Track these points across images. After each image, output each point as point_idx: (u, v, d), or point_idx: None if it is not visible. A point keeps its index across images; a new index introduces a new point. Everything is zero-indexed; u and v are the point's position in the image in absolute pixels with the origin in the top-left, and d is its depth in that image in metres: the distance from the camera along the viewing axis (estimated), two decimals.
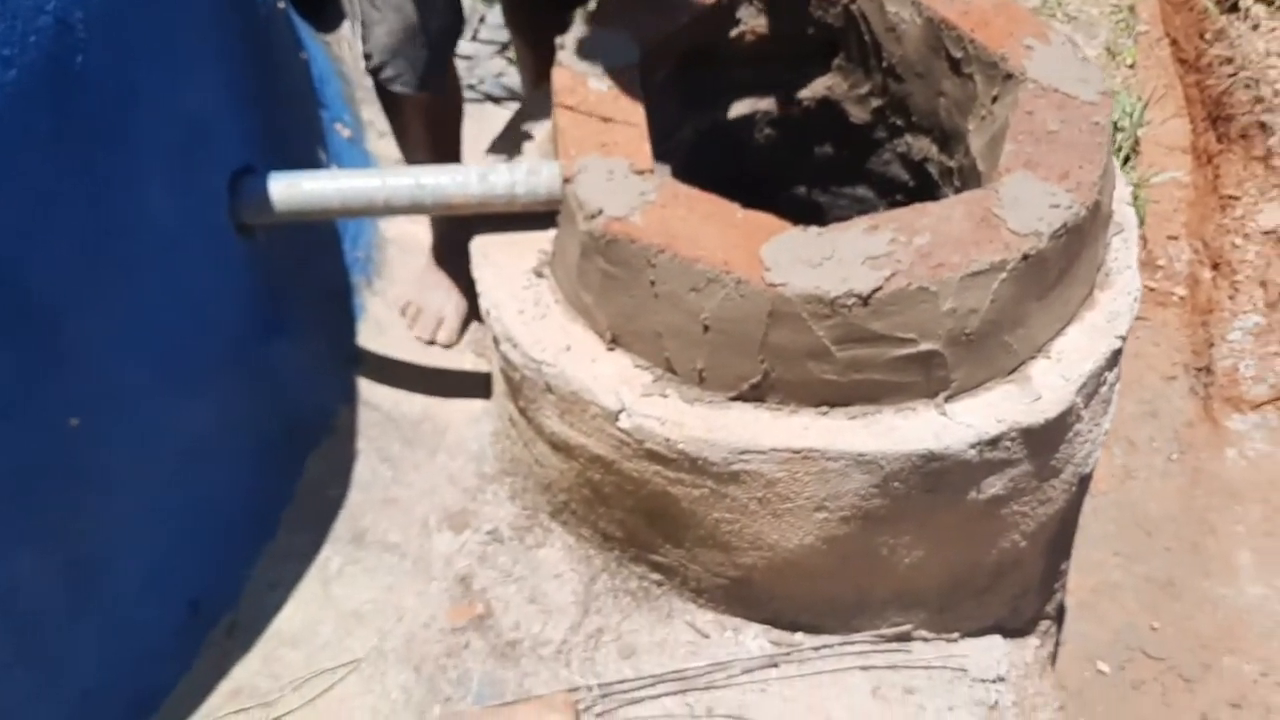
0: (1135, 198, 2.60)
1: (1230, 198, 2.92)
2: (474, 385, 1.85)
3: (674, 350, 1.33)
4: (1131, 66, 3.04)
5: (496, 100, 2.73)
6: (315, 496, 1.66)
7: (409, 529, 1.67)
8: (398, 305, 1.95)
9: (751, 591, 1.54)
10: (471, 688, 1.50)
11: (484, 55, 2.86)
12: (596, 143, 1.41)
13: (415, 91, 1.60)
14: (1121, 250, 1.53)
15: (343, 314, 1.84)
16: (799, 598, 1.55)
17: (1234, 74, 3.12)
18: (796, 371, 1.29)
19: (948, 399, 1.33)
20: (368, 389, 1.80)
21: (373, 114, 2.26)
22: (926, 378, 1.31)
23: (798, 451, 1.30)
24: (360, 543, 1.63)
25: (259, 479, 1.59)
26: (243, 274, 1.53)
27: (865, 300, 1.22)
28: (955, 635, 1.64)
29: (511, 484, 1.73)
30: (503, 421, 1.75)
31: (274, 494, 1.62)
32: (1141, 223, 2.69)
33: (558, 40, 1.55)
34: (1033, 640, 1.77)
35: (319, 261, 1.84)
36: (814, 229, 1.29)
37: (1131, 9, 3.28)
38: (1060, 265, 1.33)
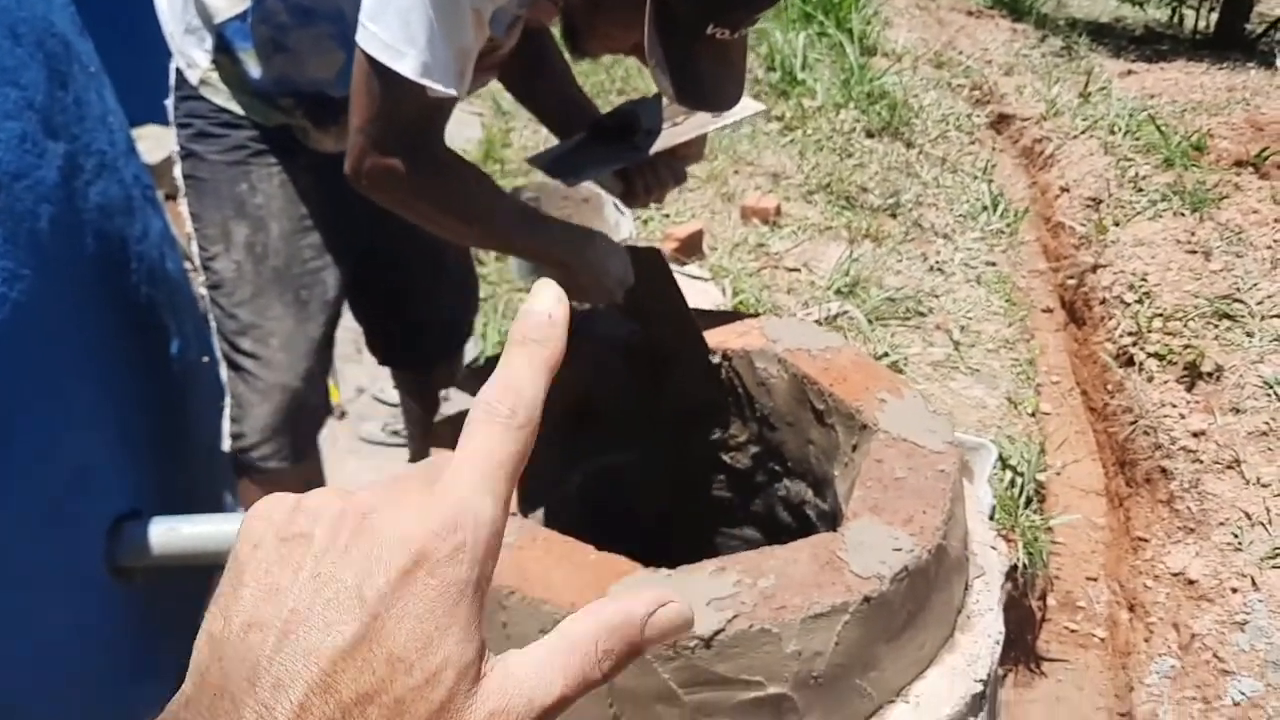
0: (1034, 539, 2.67)
1: (1140, 540, 2.99)
2: None
3: None
4: (1033, 415, 3.20)
5: (387, 445, 2.86)
6: None
7: None
8: None
9: None
10: None
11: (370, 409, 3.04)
12: None
13: (292, 464, 1.64)
14: (984, 593, 1.57)
15: None
16: None
17: (1134, 422, 3.29)
18: (646, 716, 1.28)
19: None
20: None
21: None
22: None
23: None
24: None
25: None
26: (110, 616, 1.53)
27: (708, 642, 1.23)
28: None
29: None
30: None
31: None
32: (1044, 564, 2.74)
33: (441, 393, 1.65)
34: None
35: (206, 602, 1.85)
36: (663, 570, 1.33)
37: (1031, 363, 3.49)
38: (908, 607, 1.36)
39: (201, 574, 1.78)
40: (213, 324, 1.60)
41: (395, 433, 2.79)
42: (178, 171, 1.62)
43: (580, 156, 1.66)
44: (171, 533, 1.53)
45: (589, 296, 1.64)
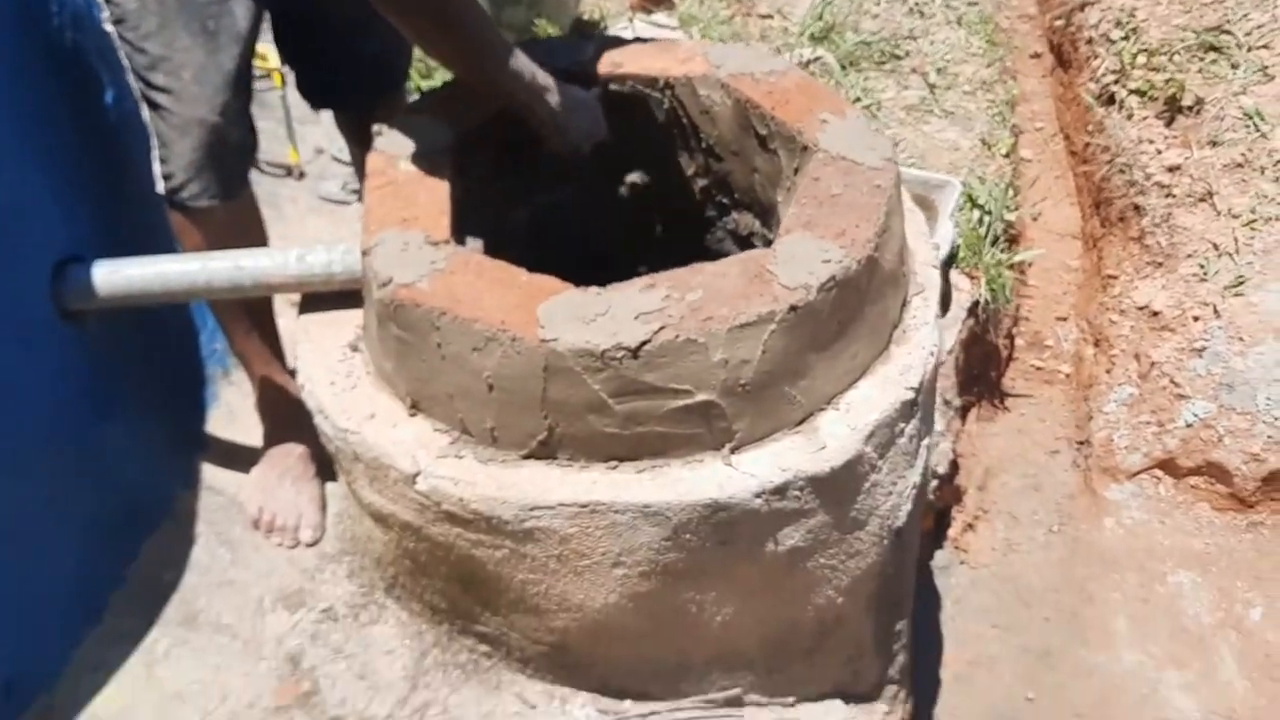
0: (998, 276, 2.68)
1: (1110, 277, 3.01)
2: (327, 467, 1.86)
3: (465, 411, 1.37)
4: (1007, 156, 3.15)
5: (347, 203, 2.83)
6: (149, 579, 1.67)
7: (243, 610, 1.67)
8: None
9: (572, 658, 1.54)
10: None
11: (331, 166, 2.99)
12: (398, 218, 1.47)
13: (221, 201, 1.61)
14: (922, 309, 1.58)
15: (191, 402, 1.87)
16: (620, 662, 1.55)
17: (1111, 160, 3.25)
18: (580, 426, 1.32)
19: (733, 450, 1.35)
20: (212, 474, 1.82)
21: None
22: (710, 430, 1.34)
23: (585, 505, 1.32)
24: (191, 625, 1.63)
25: (86, 561, 1.60)
26: (66, 358, 1.56)
27: (634, 353, 1.26)
28: (791, 700, 1.64)
29: (350, 563, 1.74)
30: (345, 500, 1.77)
31: (103, 577, 1.62)
32: (1008, 300, 2.76)
33: (375, 127, 1.62)
34: (880, 706, 1.76)
35: (170, 351, 1.88)
36: (593, 289, 1.34)
37: (1008, 104, 3.41)
38: (839, 318, 1.38)
39: (156, 315, 1.80)
40: (124, 61, 1.55)
41: (354, 191, 2.77)
42: None
43: None
44: (116, 274, 1.54)
45: (550, 144, 1.66)
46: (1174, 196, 2.90)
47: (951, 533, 2.45)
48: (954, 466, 2.45)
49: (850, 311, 1.40)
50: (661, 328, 1.27)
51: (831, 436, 1.38)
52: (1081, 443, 2.67)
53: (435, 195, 1.51)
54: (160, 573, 1.68)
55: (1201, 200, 2.84)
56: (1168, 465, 2.47)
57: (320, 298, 1.60)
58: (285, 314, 1.93)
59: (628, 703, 1.58)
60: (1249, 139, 2.91)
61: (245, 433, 1.90)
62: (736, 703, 1.60)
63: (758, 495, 1.33)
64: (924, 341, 1.53)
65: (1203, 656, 2.17)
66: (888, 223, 1.47)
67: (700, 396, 1.30)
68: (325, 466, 1.81)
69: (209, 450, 1.85)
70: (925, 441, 1.58)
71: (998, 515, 2.53)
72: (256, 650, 1.62)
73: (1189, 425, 2.44)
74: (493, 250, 1.69)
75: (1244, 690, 2.11)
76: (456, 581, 1.51)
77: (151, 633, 1.61)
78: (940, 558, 2.40)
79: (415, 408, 1.43)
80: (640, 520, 1.33)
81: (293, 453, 1.81)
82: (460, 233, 1.52)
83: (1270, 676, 2.13)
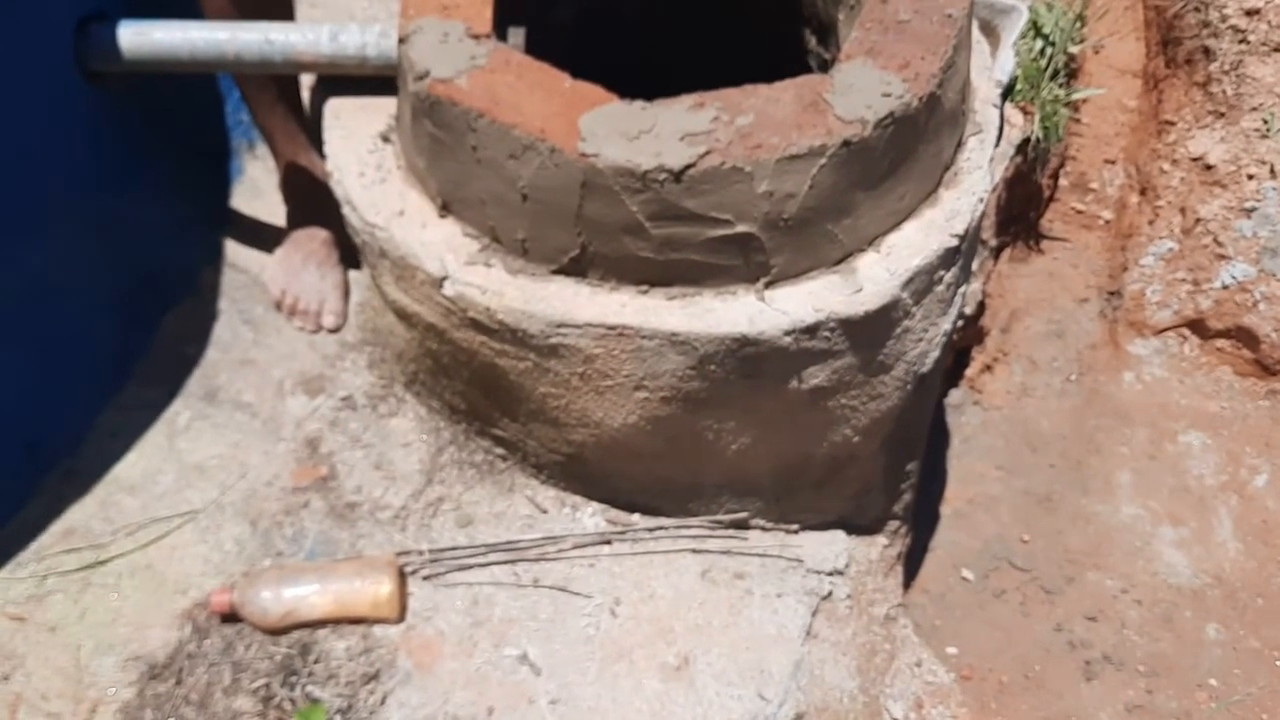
0: (1053, 113, 2.57)
1: (1168, 123, 2.88)
2: (350, 254, 1.84)
3: (497, 219, 1.33)
4: None
5: None
6: (171, 352, 1.67)
7: (263, 390, 1.68)
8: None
9: (586, 469, 1.56)
10: (305, 545, 1.53)
11: None
12: (438, 5, 1.39)
13: None
14: (976, 151, 1.52)
15: (216, 175, 1.83)
16: (634, 478, 1.57)
17: None
18: (614, 247, 1.29)
19: (768, 285, 1.33)
20: (236, 251, 1.79)
21: None
22: (746, 262, 1.31)
23: (613, 328, 1.30)
24: (212, 400, 1.65)
25: (109, 329, 1.60)
26: (89, 122, 1.52)
27: (677, 176, 1.21)
28: (795, 527, 1.67)
29: (371, 354, 1.74)
30: (368, 292, 1.75)
31: (126, 346, 1.63)
32: (1060, 139, 2.66)
33: None
34: (880, 539, 1.80)
35: (195, 122, 1.82)
36: (639, 103, 1.27)
37: None
38: (891, 156, 1.32)
39: (181, 83, 1.74)
40: None
41: None
42: None
43: None
44: (141, 36, 1.47)
45: None
46: (1248, 43, 2.74)
47: (969, 372, 2.45)
48: (980, 307, 2.42)
49: (904, 151, 1.34)
50: (707, 152, 1.22)
51: (869, 280, 1.34)
52: (1112, 293, 2.63)
53: None
54: (182, 347, 1.68)
55: (1276, 50, 2.68)
56: (1196, 325, 2.43)
57: (345, 80, 1.54)
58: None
59: (636, 516, 1.62)
60: None
61: (269, 211, 1.86)
62: (742, 525, 1.63)
63: (788, 333, 1.31)
64: (975, 186, 1.47)
65: (1201, 516, 2.20)
66: (955, 57, 1.38)
67: (740, 228, 1.26)
68: (349, 252, 1.78)
69: (232, 226, 1.82)
70: (962, 289, 1.55)
71: (1017, 359, 2.52)
72: (276, 431, 1.64)
73: (1225, 287, 2.39)
74: (533, 45, 1.61)
75: (1236, 553, 2.15)
76: (478, 386, 1.51)
77: (173, 405, 1.62)
78: (954, 396, 2.40)
79: (446, 209, 1.39)
80: (667, 348, 1.31)
81: (316, 236, 1.78)
82: (501, 22, 1.44)
83: (1265, 542, 2.16)
